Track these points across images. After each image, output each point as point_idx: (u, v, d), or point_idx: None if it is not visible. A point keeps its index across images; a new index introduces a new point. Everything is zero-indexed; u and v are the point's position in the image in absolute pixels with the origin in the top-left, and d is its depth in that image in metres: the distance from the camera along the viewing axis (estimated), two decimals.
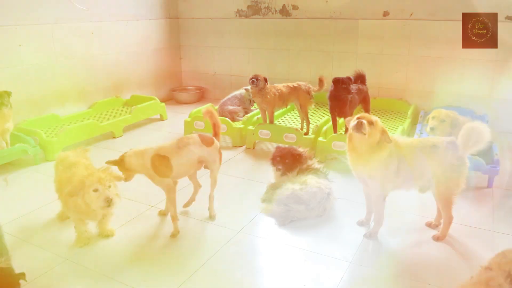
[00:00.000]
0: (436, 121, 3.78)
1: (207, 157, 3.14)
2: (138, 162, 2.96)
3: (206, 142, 3.12)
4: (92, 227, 3.08)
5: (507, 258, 1.77)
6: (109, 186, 2.70)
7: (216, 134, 3.25)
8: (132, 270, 2.70)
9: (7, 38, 4.78)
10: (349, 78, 4.37)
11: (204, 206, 3.51)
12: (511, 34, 4.95)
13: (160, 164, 2.96)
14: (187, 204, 3.44)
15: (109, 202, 2.65)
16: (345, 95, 4.33)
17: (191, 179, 3.43)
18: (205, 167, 3.26)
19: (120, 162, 2.96)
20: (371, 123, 2.71)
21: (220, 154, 3.24)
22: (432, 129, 3.77)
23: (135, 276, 2.63)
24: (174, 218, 3.10)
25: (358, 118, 2.76)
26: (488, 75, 5.24)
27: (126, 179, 2.99)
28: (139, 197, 3.63)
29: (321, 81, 4.88)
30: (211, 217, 3.32)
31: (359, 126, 2.68)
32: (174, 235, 3.07)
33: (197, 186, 3.46)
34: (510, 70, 5.10)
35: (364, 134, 2.68)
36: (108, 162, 2.92)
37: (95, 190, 2.65)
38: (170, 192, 3.10)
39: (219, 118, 3.33)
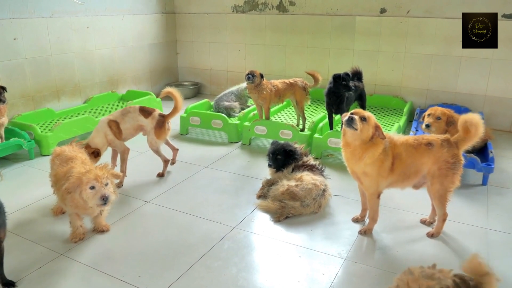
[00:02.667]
0: (431, 119, 3.80)
1: (145, 126, 3.78)
2: (100, 136, 3.65)
3: (144, 113, 3.76)
4: (87, 222, 3.08)
5: (414, 275, 1.75)
6: (106, 184, 2.69)
7: (171, 113, 3.79)
8: (127, 266, 2.69)
9: (1, 31, 4.74)
10: (347, 74, 4.36)
11: (202, 204, 3.51)
12: (507, 32, 4.97)
13: (116, 128, 3.69)
14: (172, 162, 4.11)
15: (105, 200, 2.65)
16: (344, 92, 4.33)
17: (168, 145, 4.11)
18: (144, 133, 3.86)
19: (90, 149, 3.54)
20: (363, 118, 2.72)
21: (159, 128, 3.75)
22: (427, 126, 3.78)
23: (130, 271, 2.63)
24: (124, 172, 3.84)
25: (351, 113, 2.77)
26: (483, 73, 5.26)
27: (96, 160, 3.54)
28: (134, 193, 3.64)
29: (313, 76, 4.87)
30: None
31: (350, 122, 2.70)
32: (120, 182, 3.76)
33: (174, 150, 4.15)
34: (506, 68, 5.12)
35: (356, 129, 2.69)
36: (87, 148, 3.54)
37: (92, 188, 2.65)
38: (125, 153, 3.86)
39: (180, 101, 3.82)
